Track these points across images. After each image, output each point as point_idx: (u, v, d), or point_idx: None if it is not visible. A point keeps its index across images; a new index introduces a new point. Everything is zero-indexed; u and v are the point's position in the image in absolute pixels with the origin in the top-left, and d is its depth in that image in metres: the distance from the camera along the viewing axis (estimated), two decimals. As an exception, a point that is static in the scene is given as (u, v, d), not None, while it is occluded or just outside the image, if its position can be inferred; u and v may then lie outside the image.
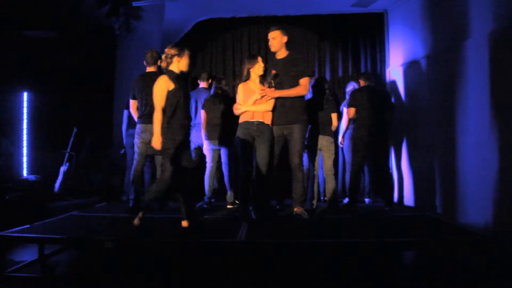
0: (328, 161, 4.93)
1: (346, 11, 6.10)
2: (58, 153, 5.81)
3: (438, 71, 4.78)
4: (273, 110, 4.21)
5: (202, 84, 5.64)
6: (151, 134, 4.61)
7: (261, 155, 4.12)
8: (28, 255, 3.66)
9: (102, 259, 3.66)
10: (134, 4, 5.81)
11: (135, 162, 4.72)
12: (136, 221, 3.68)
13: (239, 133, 4.20)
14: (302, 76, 4.13)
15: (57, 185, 5.62)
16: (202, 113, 5.18)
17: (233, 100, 5.26)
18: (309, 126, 4.95)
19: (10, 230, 3.39)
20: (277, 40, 4.21)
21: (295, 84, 4.13)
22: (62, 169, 5.67)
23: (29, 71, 5.75)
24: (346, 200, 5.31)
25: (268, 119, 4.19)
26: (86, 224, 4.03)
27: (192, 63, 6.45)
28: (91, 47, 6.03)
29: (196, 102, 5.51)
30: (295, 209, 4.20)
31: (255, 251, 3.27)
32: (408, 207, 5.30)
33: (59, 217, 4.25)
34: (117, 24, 5.83)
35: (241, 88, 4.30)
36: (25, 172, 5.82)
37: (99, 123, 6.16)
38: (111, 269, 3.43)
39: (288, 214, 4.33)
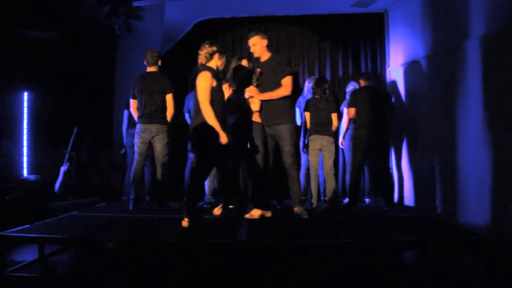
0: (328, 161, 4.93)
1: (346, 11, 6.10)
2: (58, 153, 5.81)
3: (438, 71, 4.78)
4: (260, 111, 4.23)
5: (202, 84, 5.64)
6: (151, 134, 4.65)
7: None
8: (28, 255, 3.66)
9: (102, 259, 3.66)
10: (135, 4, 5.81)
11: (135, 162, 4.72)
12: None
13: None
14: (283, 76, 4.12)
15: (57, 185, 5.62)
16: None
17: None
18: (310, 126, 4.97)
19: (10, 230, 3.39)
20: (258, 46, 4.22)
21: (279, 85, 4.14)
22: (62, 169, 5.67)
23: (29, 71, 5.75)
24: (346, 200, 5.31)
25: (258, 118, 4.24)
26: (86, 224, 4.03)
27: (193, 63, 6.51)
28: (91, 47, 6.03)
29: (196, 102, 5.51)
30: (295, 208, 4.20)
31: (255, 251, 3.27)
32: (408, 207, 5.30)
33: (59, 217, 4.25)
34: (118, 24, 5.83)
35: (227, 90, 4.37)
36: (25, 172, 5.82)
37: (99, 123, 6.16)
38: (111, 269, 3.43)
39: (288, 214, 4.33)
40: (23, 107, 5.93)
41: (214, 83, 3.68)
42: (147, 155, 4.85)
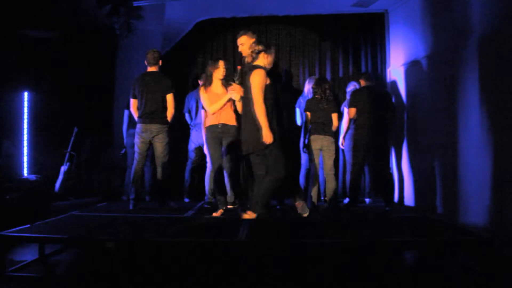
0: (328, 161, 4.93)
1: (346, 11, 6.10)
2: (59, 153, 5.81)
3: (438, 71, 4.78)
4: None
5: (203, 84, 5.65)
6: (152, 133, 4.65)
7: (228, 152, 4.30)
8: (28, 255, 3.66)
9: (102, 259, 3.66)
10: (135, 4, 5.81)
11: (135, 162, 4.72)
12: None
13: (207, 136, 4.44)
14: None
15: (57, 185, 5.61)
16: (202, 113, 5.17)
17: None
18: (310, 126, 4.97)
19: (10, 230, 3.39)
20: (245, 45, 4.26)
21: None
22: (63, 169, 5.67)
23: (29, 71, 5.74)
24: (346, 200, 5.31)
25: (232, 120, 4.37)
26: (87, 224, 4.03)
27: (193, 63, 6.51)
28: (91, 47, 6.03)
29: (197, 102, 5.52)
30: (296, 203, 4.24)
31: (255, 251, 3.27)
32: (409, 207, 5.30)
33: (59, 217, 4.25)
34: (118, 24, 5.82)
35: (204, 93, 4.43)
36: (25, 172, 5.82)
37: (100, 123, 6.16)
38: (111, 269, 3.43)
39: (288, 214, 4.33)
40: (23, 107, 5.93)
41: (268, 81, 3.75)
42: (147, 155, 4.85)
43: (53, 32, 5.83)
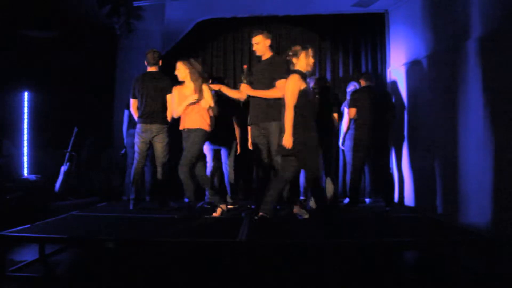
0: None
1: (346, 11, 6.09)
2: (59, 152, 5.81)
3: (439, 71, 4.78)
4: (249, 109, 4.28)
5: (203, 84, 5.64)
6: (152, 133, 4.65)
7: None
8: (28, 255, 3.66)
9: (102, 259, 3.66)
10: (135, 4, 5.81)
11: (135, 162, 4.73)
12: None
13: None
14: (278, 79, 4.12)
15: (57, 185, 5.61)
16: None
17: (233, 100, 5.26)
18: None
19: (10, 230, 3.39)
20: (260, 45, 4.26)
21: (272, 85, 4.15)
22: (63, 168, 5.67)
23: (29, 71, 5.74)
24: (346, 200, 5.31)
25: (196, 124, 4.22)
26: (87, 224, 4.03)
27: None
28: (91, 47, 6.03)
29: (197, 102, 5.51)
30: (294, 210, 4.21)
31: (255, 251, 3.27)
32: (409, 207, 5.30)
33: (59, 217, 4.26)
34: (118, 24, 5.83)
35: (176, 92, 4.37)
36: (25, 172, 5.82)
37: (100, 123, 6.16)
38: (111, 269, 3.43)
39: (288, 214, 4.33)
40: (23, 107, 5.93)
41: (303, 86, 3.75)
42: (147, 155, 4.85)
43: (53, 32, 5.83)
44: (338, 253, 3.45)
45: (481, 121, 3.96)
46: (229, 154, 5.10)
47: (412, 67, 5.40)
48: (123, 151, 5.76)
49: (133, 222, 4.13)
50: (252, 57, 6.45)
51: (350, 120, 5.10)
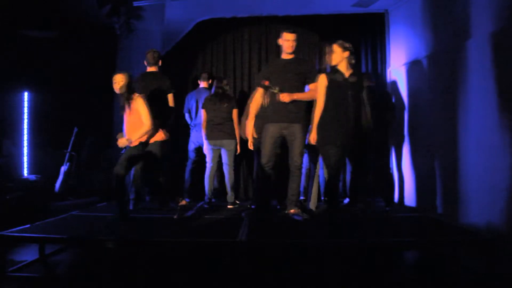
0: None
1: (346, 11, 6.09)
2: (59, 152, 5.81)
3: (439, 71, 4.78)
4: (269, 108, 4.24)
5: (203, 84, 5.65)
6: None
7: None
8: (28, 255, 3.66)
9: (102, 259, 3.66)
10: (135, 4, 5.81)
11: (135, 162, 4.72)
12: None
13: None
14: (312, 81, 4.19)
15: (57, 185, 5.61)
16: (202, 113, 5.19)
17: (233, 100, 5.26)
18: (309, 126, 4.96)
19: (10, 230, 3.39)
20: (296, 43, 4.26)
21: (297, 85, 4.15)
22: (63, 168, 5.67)
23: (29, 71, 5.75)
24: (346, 200, 5.30)
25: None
26: (87, 224, 4.03)
27: (193, 63, 6.51)
28: (91, 47, 6.03)
29: (197, 102, 5.52)
30: (291, 210, 4.18)
31: (255, 251, 3.27)
32: (409, 207, 5.30)
33: (59, 217, 4.26)
34: (118, 24, 5.82)
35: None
36: (25, 172, 5.82)
37: (100, 123, 6.15)
38: (111, 269, 3.43)
39: (288, 214, 4.33)
40: (23, 107, 5.93)
41: (326, 82, 3.93)
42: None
43: (53, 32, 5.83)
44: (338, 253, 3.45)
45: (481, 120, 3.96)
46: (229, 154, 5.10)
47: (412, 67, 5.40)
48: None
49: (133, 222, 4.13)
50: (252, 57, 6.46)
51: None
